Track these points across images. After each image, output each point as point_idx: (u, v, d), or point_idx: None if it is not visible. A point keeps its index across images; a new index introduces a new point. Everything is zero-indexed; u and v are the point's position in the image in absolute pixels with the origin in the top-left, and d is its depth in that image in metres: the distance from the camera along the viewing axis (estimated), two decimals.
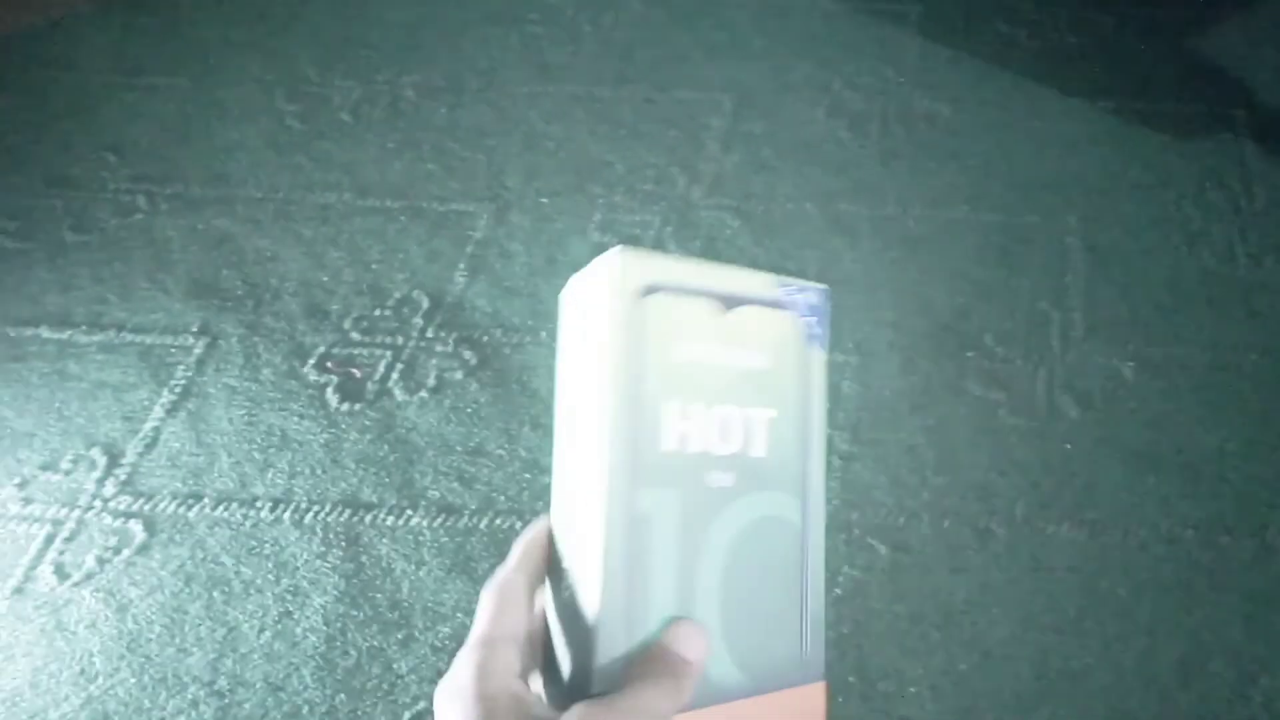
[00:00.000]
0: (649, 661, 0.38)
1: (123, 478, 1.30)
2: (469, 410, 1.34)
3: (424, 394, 1.36)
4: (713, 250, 1.52)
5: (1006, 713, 1.12)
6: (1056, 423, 1.34)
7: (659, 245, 1.52)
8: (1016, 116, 1.71)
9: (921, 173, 1.62)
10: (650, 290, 0.41)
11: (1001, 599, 1.19)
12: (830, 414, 1.36)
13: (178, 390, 1.38)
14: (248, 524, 1.25)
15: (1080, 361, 1.40)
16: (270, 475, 1.29)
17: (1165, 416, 1.35)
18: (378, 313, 1.45)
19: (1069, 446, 1.32)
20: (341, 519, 1.25)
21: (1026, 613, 1.18)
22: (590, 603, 0.38)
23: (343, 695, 1.12)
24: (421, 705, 1.11)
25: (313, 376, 1.39)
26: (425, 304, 1.46)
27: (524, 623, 0.40)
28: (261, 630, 1.17)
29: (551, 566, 0.41)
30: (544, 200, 1.58)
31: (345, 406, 1.35)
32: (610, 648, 0.38)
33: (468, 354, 1.40)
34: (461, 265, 1.50)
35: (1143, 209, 1.58)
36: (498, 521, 1.25)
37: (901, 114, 1.71)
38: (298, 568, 1.22)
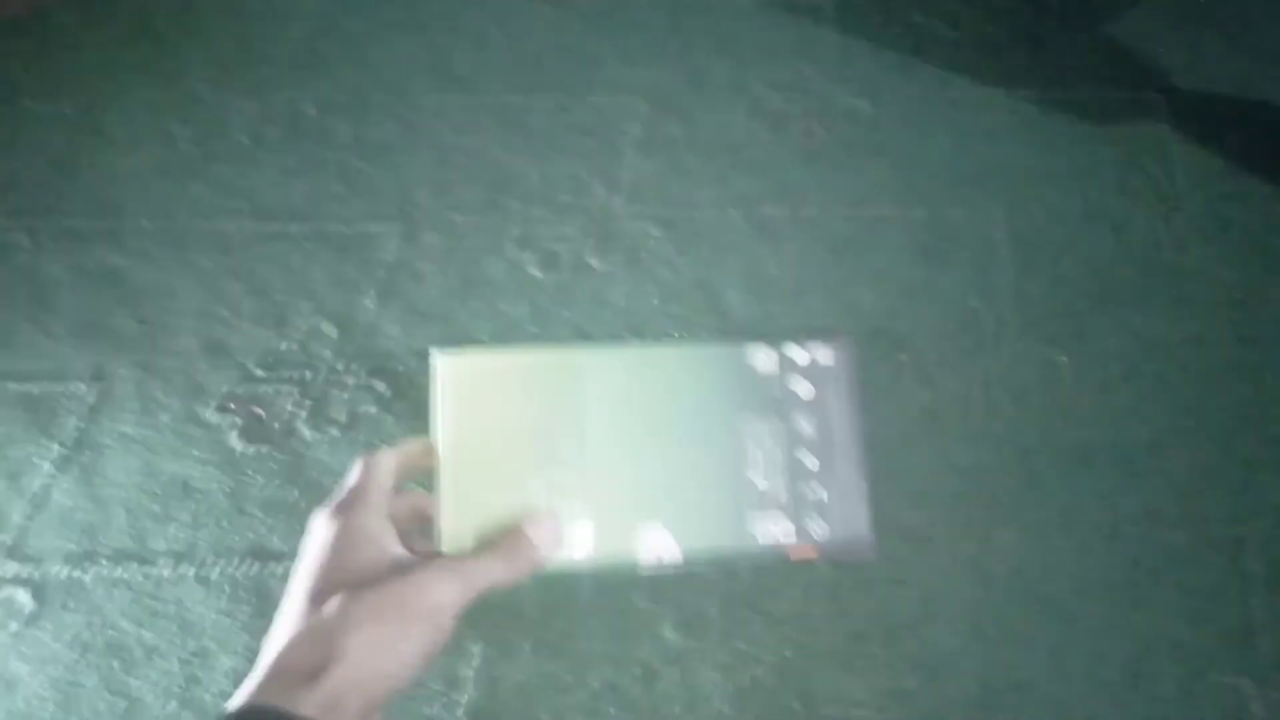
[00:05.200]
0: (501, 536, 0.47)
1: (8, 543, 1.20)
2: (384, 445, 1.26)
3: (335, 431, 1.28)
4: (636, 262, 1.46)
5: None
6: (993, 422, 1.31)
7: (580, 260, 1.46)
8: (937, 109, 1.68)
9: (844, 171, 1.58)
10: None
11: (945, 611, 1.16)
12: None
13: (69, 443, 1.28)
14: (148, 584, 1.17)
15: (1014, 358, 1.38)
16: (171, 529, 1.21)
17: (1100, 409, 1.33)
18: (283, 346, 1.37)
19: (1005, 446, 1.29)
20: (250, 572, 1.17)
21: (971, 624, 1.15)
22: (443, 477, 0.48)
23: None
24: None
25: (214, 419, 1.30)
26: (334, 334, 1.38)
27: (391, 479, 0.48)
28: (166, 700, 1.09)
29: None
30: (457, 217, 1.51)
31: (250, 449, 1.27)
32: (454, 518, 0.47)
33: (381, 385, 1.33)
34: (371, 291, 1.42)
35: (1068, 199, 1.56)
36: None
37: (822, 112, 1.67)
38: (204, 628, 1.13)
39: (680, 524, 0.48)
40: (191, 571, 1.17)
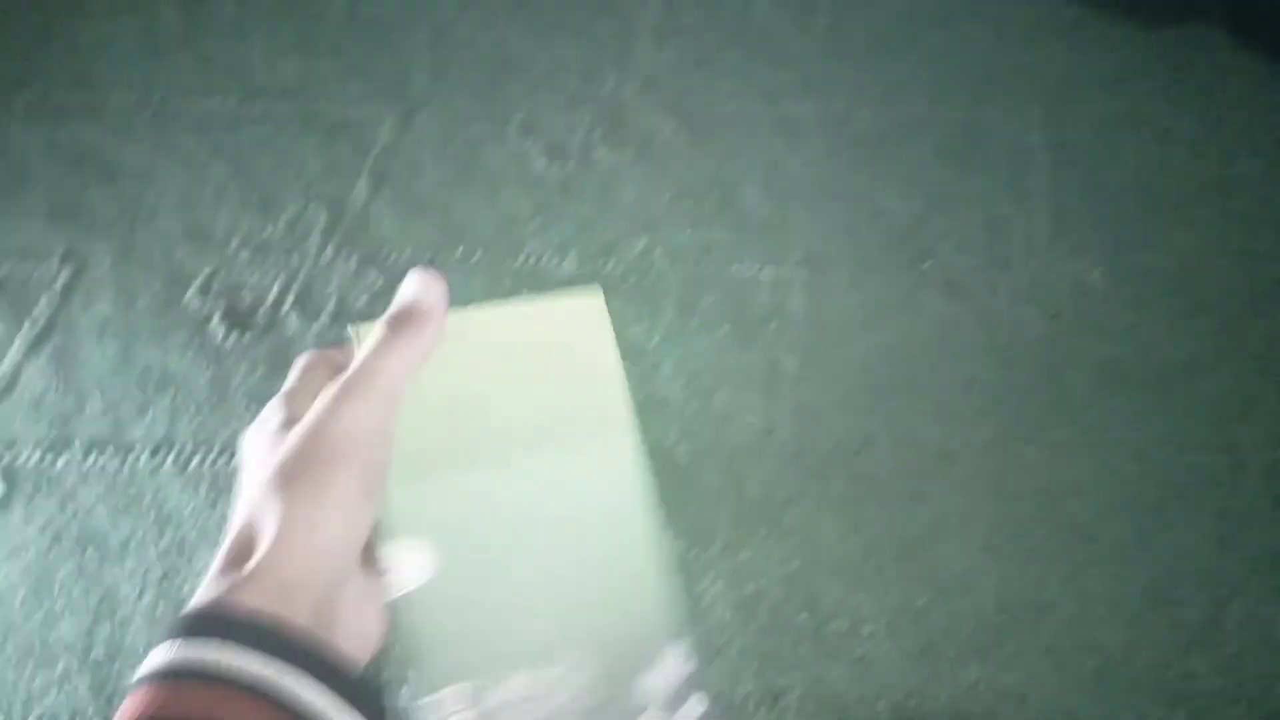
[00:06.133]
0: (387, 320, 0.39)
1: None
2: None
3: (324, 320, 1.21)
4: (648, 155, 1.37)
5: (968, 649, 1.04)
6: (1020, 336, 1.24)
7: (587, 152, 1.37)
8: (975, 4, 1.57)
9: (874, 66, 1.48)
10: None
11: (962, 528, 1.10)
12: (778, 332, 1.24)
13: (40, 324, 1.21)
14: (124, 473, 1.11)
15: (1044, 270, 1.30)
16: (149, 417, 1.14)
17: (1134, 327, 1.25)
18: (268, 231, 1.28)
19: (1033, 362, 1.22)
20: (231, 464, 1.11)
21: (988, 541, 1.10)
22: None
23: None
24: None
25: (195, 305, 1.23)
26: (323, 220, 1.29)
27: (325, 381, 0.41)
28: (142, 592, 1.04)
29: None
30: (456, 102, 1.41)
31: (233, 338, 1.20)
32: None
33: (373, 275, 1.25)
34: (363, 176, 1.33)
35: (1109, 104, 1.47)
36: None
37: (851, 2, 1.56)
38: (182, 520, 1.08)
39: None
40: (170, 462, 1.11)
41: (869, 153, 1.39)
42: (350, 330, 0.41)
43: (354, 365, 0.40)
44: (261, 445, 0.40)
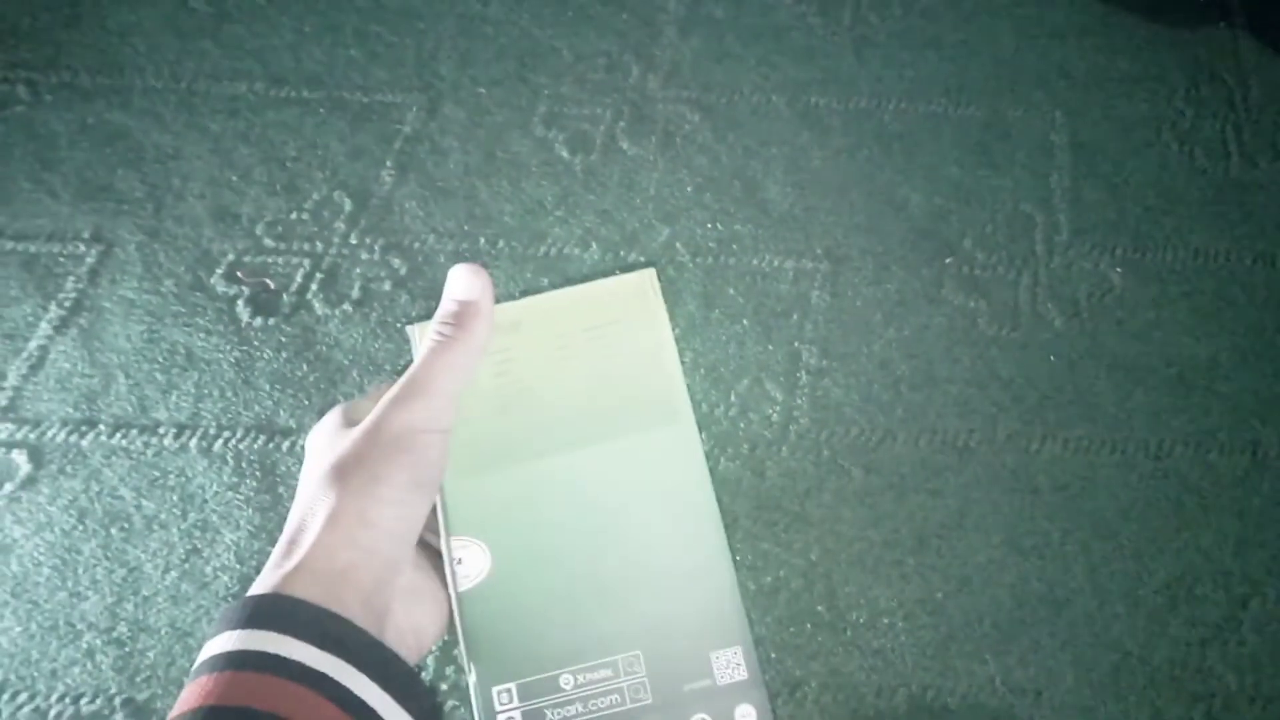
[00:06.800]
0: (438, 320, 0.40)
1: (3, 403, 1.15)
2: (398, 325, 1.20)
3: (347, 306, 1.22)
4: (671, 147, 1.37)
5: (985, 642, 1.04)
6: (1040, 333, 1.24)
7: (611, 142, 1.38)
8: (999, 3, 1.57)
9: (897, 63, 1.48)
10: None
11: (981, 522, 1.11)
12: (799, 325, 1.25)
13: (67, 304, 1.22)
14: (149, 453, 1.12)
15: (1065, 267, 1.30)
16: (174, 398, 1.15)
17: (1155, 325, 1.25)
18: (294, 216, 1.29)
19: (1053, 359, 1.22)
20: (255, 446, 1.12)
21: (1007, 536, 1.10)
22: None
23: None
24: None
25: (221, 288, 1.23)
26: (348, 206, 1.30)
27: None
28: (166, 571, 1.05)
29: None
30: (481, 90, 1.42)
31: (258, 321, 1.21)
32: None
33: (396, 262, 1.26)
34: (389, 163, 1.34)
35: (1132, 104, 1.46)
36: None
37: None
38: (206, 500, 1.09)
39: None
40: (195, 442, 1.12)
41: (891, 148, 1.39)
42: (410, 330, 0.41)
43: (412, 367, 0.40)
44: (321, 444, 0.40)
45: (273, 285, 1.23)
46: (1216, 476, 1.15)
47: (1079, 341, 1.24)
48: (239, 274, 1.24)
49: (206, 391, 1.15)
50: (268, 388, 1.16)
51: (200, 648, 0.43)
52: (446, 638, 0.40)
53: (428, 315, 1.20)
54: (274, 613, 0.35)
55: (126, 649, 1.01)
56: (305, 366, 1.17)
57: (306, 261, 1.25)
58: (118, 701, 0.98)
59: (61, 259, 1.25)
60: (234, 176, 1.33)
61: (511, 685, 0.37)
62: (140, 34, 1.47)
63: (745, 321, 1.23)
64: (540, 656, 0.37)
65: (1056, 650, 1.04)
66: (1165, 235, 1.34)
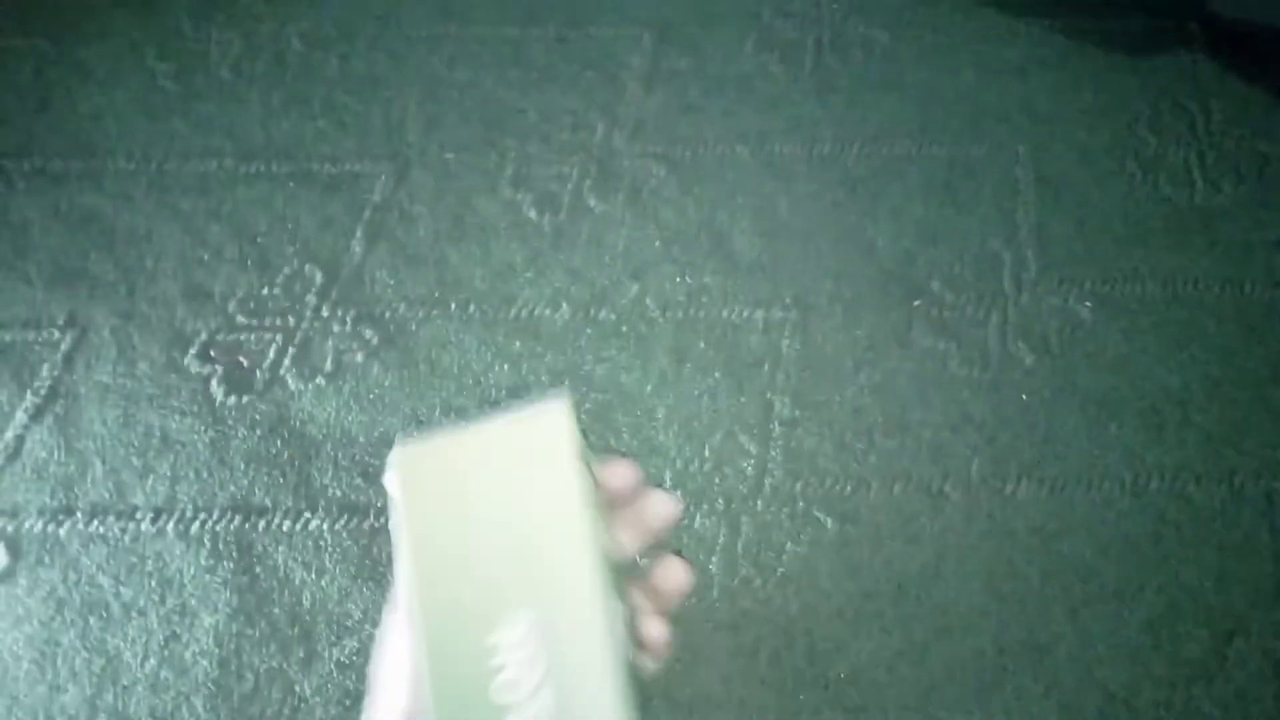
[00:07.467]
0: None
1: None
2: (372, 396, 1.21)
3: (320, 380, 1.23)
4: (638, 203, 1.38)
5: (969, 691, 1.04)
6: (1011, 372, 1.24)
7: (578, 201, 1.39)
8: (958, 41, 1.59)
9: (860, 106, 1.50)
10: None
11: (959, 568, 1.10)
12: (770, 375, 1.25)
13: (43, 392, 1.23)
14: (126, 538, 1.12)
15: (1034, 304, 1.30)
16: (150, 482, 1.16)
17: (1126, 358, 1.26)
18: (266, 291, 1.30)
19: (1025, 397, 1.22)
20: (232, 526, 1.12)
21: (986, 582, 1.10)
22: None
23: None
24: None
25: (195, 367, 1.24)
26: (319, 279, 1.31)
27: None
28: (145, 658, 1.05)
29: None
30: (449, 155, 1.43)
31: (232, 399, 1.21)
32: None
33: (368, 332, 1.26)
34: (358, 233, 1.35)
35: (1095, 135, 1.48)
36: None
37: (836, 42, 1.58)
38: (184, 584, 1.09)
39: None
40: (171, 526, 1.13)
41: (857, 192, 1.40)
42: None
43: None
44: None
45: (246, 362, 1.24)
46: (1195, 509, 1.14)
47: (1051, 379, 1.24)
48: (212, 353, 1.25)
49: (182, 474, 1.16)
50: (243, 466, 1.16)
51: None
52: None
53: (400, 386, 1.21)
54: None
55: None
56: (279, 443, 1.18)
57: (279, 336, 1.26)
58: None
59: (36, 346, 1.26)
60: (205, 254, 1.34)
61: None
62: (111, 116, 1.49)
63: (717, 374, 1.24)
64: None
65: (1040, 696, 1.03)
66: (1133, 266, 1.34)
